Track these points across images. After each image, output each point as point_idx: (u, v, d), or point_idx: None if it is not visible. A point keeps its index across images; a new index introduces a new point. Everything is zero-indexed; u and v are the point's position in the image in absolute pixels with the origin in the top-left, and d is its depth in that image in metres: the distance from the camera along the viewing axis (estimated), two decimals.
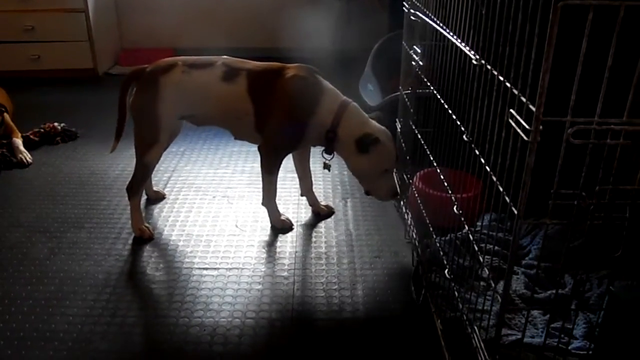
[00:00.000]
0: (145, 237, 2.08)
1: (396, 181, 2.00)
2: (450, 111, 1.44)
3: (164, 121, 2.01)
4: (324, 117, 1.95)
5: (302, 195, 2.30)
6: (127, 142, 2.12)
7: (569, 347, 1.37)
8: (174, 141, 2.25)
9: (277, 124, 1.96)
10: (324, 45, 1.75)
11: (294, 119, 1.95)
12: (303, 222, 2.18)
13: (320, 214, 2.25)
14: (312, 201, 2.28)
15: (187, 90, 1.99)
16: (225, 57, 2.06)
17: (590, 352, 1.32)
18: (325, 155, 2.03)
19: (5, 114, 2.81)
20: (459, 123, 1.40)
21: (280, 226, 2.15)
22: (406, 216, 2.08)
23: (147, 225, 2.12)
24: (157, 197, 2.38)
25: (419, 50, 1.79)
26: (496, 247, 1.73)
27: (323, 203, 2.28)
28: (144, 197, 2.35)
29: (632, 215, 1.16)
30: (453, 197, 1.53)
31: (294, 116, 1.95)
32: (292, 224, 2.17)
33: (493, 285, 1.28)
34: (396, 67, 2.13)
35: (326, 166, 2.10)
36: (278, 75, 1.98)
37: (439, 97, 1.59)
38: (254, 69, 2.00)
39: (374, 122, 1.97)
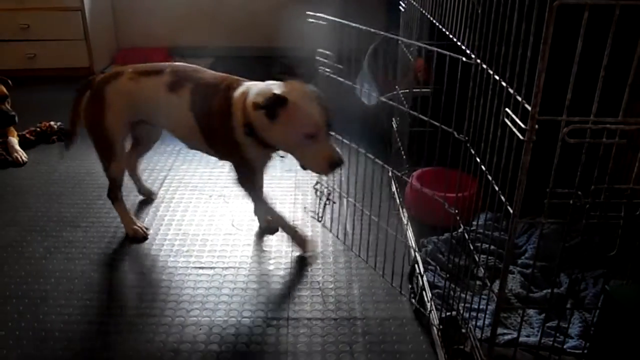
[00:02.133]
0: (139, 237, 2.07)
1: (336, 149, 1.67)
2: (446, 110, 1.44)
3: (115, 133, 1.95)
4: (236, 121, 1.75)
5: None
6: None
7: (565, 346, 1.38)
8: (169, 140, 2.25)
9: (223, 151, 1.89)
10: (320, 44, 1.75)
11: (230, 142, 1.80)
12: (299, 222, 2.17)
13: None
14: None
15: (134, 97, 1.91)
16: (179, 64, 1.97)
17: (586, 351, 1.33)
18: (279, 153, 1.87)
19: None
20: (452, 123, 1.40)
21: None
22: (402, 215, 2.08)
23: (139, 225, 2.11)
24: (150, 196, 2.37)
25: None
26: (492, 247, 1.74)
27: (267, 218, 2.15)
28: (139, 197, 2.35)
29: (628, 214, 1.17)
30: (442, 196, 1.54)
31: (228, 139, 1.79)
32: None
33: (489, 284, 1.29)
34: (393, 66, 2.13)
35: (282, 157, 1.94)
36: (215, 88, 1.82)
37: (434, 96, 1.59)
38: (199, 82, 1.86)
39: (283, 83, 1.70)
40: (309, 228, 2.13)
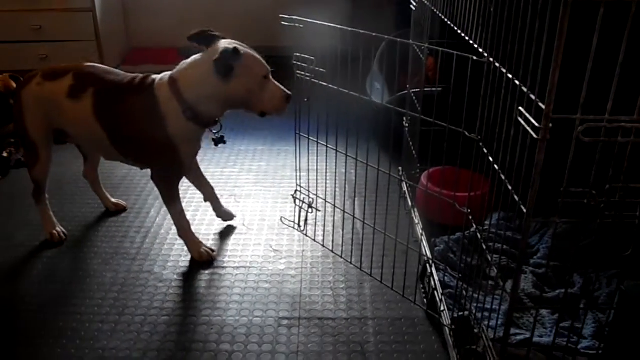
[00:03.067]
0: (55, 241, 2.04)
1: (279, 86, 1.78)
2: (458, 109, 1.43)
3: (35, 137, 1.91)
4: (170, 108, 1.73)
5: (205, 201, 2.17)
6: None
7: (578, 347, 1.36)
8: None
9: (145, 150, 1.81)
10: (330, 43, 1.74)
11: (155, 136, 1.75)
12: (310, 221, 2.17)
13: (224, 219, 2.18)
14: (216, 206, 2.17)
15: (41, 104, 1.86)
16: (87, 64, 1.88)
17: (600, 352, 1.31)
18: (212, 130, 1.89)
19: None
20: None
21: (198, 258, 1.93)
22: (414, 215, 2.07)
23: (58, 229, 2.08)
24: (118, 209, 2.28)
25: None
26: (505, 246, 1.73)
27: (224, 208, 2.18)
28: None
29: None
30: (451, 196, 1.53)
31: (154, 133, 1.74)
32: (212, 257, 1.95)
33: (501, 284, 1.28)
34: (403, 65, 2.12)
35: (218, 141, 1.95)
36: (123, 90, 1.78)
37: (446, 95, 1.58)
38: (103, 86, 1.79)
39: (204, 52, 1.73)
40: (318, 226, 2.12)
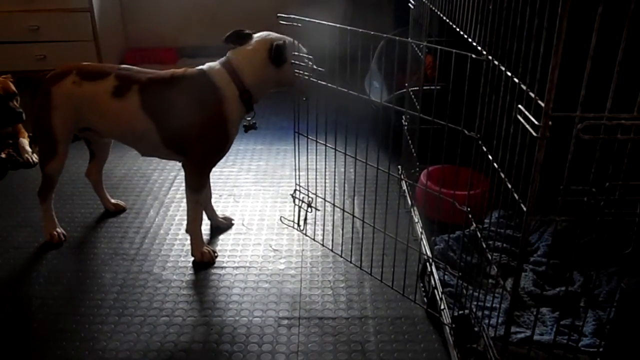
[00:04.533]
0: (54, 242, 2.05)
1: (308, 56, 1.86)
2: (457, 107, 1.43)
3: (59, 133, 1.92)
4: (230, 93, 1.84)
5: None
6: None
7: (579, 345, 1.36)
8: None
9: (197, 134, 1.85)
10: (328, 42, 1.74)
11: (212, 119, 1.84)
12: (309, 221, 2.17)
13: (220, 226, 2.16)
14: (211, 214, 2.16)
15: (77, 103, 1.88)
16: (124, 66, 1.93)
17: (601, 350, 1.31)
18: (247, 117, 1.95)
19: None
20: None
21: (199, 258, 1.94)
22: (413, 213, 2.07)
23: (58, 230, 2.08)
24: (117, 210, 2.28)
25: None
26: (504, 244, 1.73)
27: (221, 215, 2.19)
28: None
29: None
30: (450, 194, 1.53)
31: (211, 116, 1.83)
32: (213, 258, 1.95)
33: (502, 282, 1.28)
34: (402, 64, 2.12)
35: (250, 127, 2.01)
36: (171, 83, 1.86)
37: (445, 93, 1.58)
38: (147, 82, 1.87)
39: (251, 42, 1.87)
40: (318, 226, 2.12)
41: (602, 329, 1.44)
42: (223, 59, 1.89)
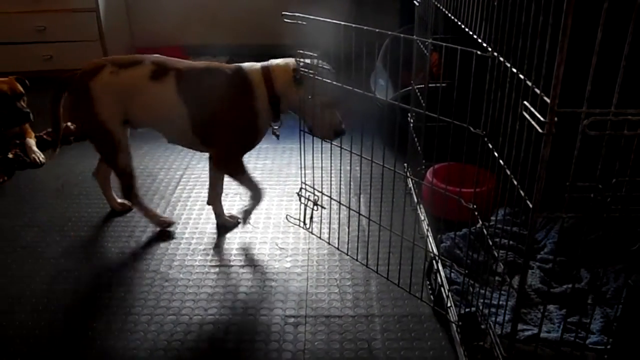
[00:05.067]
0: (168, 228, 2.13)
1: (341, 120, 1.91)
2: (463, 105, 1.42)
3: (110, 125, 1.93)
4: (260, 92, 1.90)
5: (208, 204, 2.19)
6: (134, 140, 2.12)
7: (586, 342, 1.36)
8: None
9: (227, 124, 1.92)
10: (333, 40, 1.74)
11: (245, 112, 1.91)
12: (315, 219, 2.17)
13: (226, 225, 2.17)
14: (219, 212, 2.18)
15: (118, 91, 1.91)
16: (156, 55, 1.98)
17: (608, 347, 1.31)
18: (274, 125, 1.98)
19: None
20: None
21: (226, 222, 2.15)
22: (419, 211, 2.07)
23: (164, 217, 2.15)
24: (124, 209, 2.28)
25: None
26: (511, 242, 1.72)
27: (227, 214, 2.20)
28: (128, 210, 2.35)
29: None
30: (456, 192, 1.52)
31: (244, 109, 1.90)
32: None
33: (508, 280, 1.27)
34: (407, 61, 2.11)
35: (273, 134, 2.03)
36: (210, 74, 1.93)
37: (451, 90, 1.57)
38: (184, 69, 1.93)
39: (308, 59, 1.88)
40: (324, 224, 2.12)
41: (609, 326, 1.43)
42: (264, 62, 1.95)
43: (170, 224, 2.13)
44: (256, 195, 2.07)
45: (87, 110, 1.92)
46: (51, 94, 2.02)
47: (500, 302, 1.44)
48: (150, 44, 4.39)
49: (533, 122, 1.01)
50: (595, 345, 1.36)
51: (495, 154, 1.30)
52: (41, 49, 3.93)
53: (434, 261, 1.72)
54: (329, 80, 1.77)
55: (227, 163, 2.03)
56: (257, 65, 1.95)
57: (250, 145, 2.02)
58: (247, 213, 2.13)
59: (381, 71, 2.98)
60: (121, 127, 1.97)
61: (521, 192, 1.13)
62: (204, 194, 2.39)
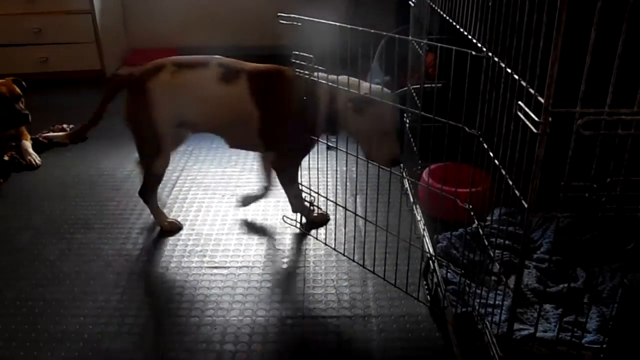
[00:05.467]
0: (175, 230, 2.12)
1: (398, 148, 1.89)
2: (457, 105, 1.43)
3: (162, 127, 1.92)
4: (323, 102, 1.87)
5: (294, 211, 2.19)
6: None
7: (582, 341, 1.36)
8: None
9: (291, 131, 1.91)
10: (329, 41, 1.74)
11: (307, 120, 1.87)
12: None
13: (315, 221, 2.18)
14: (306, 214, 2.18)
15: (179, 92, 1.89)
16: (218, 56, 1.97)
17: (604, 346, 1.31)
18: (331, 138, 1.95)
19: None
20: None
21: (316, 219, 2.15)
22: (416, 211, 2.07)
23: (172, 219, 2.15)
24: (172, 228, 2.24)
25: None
26: (507, 242, 1.72)
27: (314, 212, 2.20)
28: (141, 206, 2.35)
29: None
30: (452, 192, 1.52)
31: (306, 117, 1.87)
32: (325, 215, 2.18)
33: (504, 279, 1.27)
34: (403, 62, 2.12)
35: (330, 147, 1.98)
36: (278, 77, 1.91)
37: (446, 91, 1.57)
38: (253, 71, 1.93)
39: (370, 84, 1.87)
40: (321, 225, 2.12)
41: (605, 325, 1.43)
42: (335, 76, 1.87)
43: (178, 228, 2.13)
44: (297, 207, 2.11)
45: (142, 110, 1.91)
46: (106, 90, 2.01)
47: (497, 302, 1.44)
48: (146, 46, 4.40)
49: (527, 122, 1.01)
50: (592, 344, 1.36)
51: (491, 154, 1.30)
52: (37, 51, 3.93)
53: (430, 261, 1.72)
54: (389, 103, 1.76)
55: (286, 166, 2.03)
56: (324, 74, 1.88)
57: (306, 151, 2.02)
58: (250, 198, 2.14)
59: (377, 72, 2.98)
60: (172, 130, 1.96)
61: (516, 192, 1.13)
62: (200, 195, 2.39)
